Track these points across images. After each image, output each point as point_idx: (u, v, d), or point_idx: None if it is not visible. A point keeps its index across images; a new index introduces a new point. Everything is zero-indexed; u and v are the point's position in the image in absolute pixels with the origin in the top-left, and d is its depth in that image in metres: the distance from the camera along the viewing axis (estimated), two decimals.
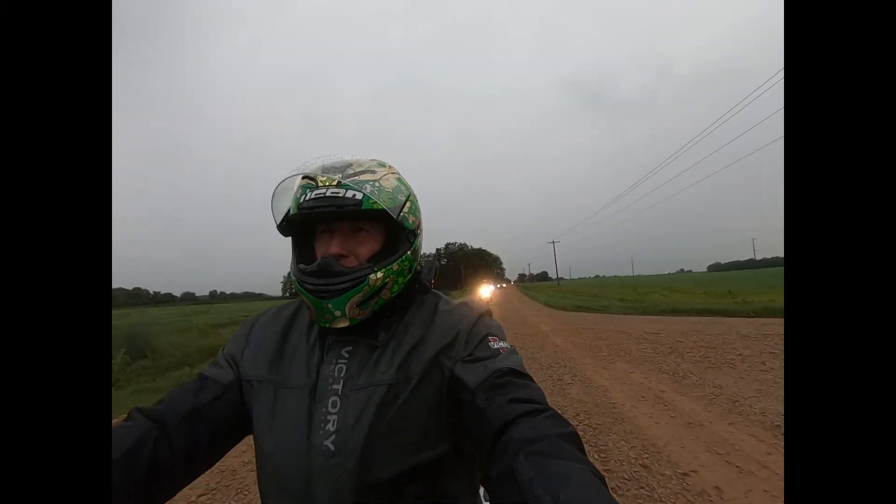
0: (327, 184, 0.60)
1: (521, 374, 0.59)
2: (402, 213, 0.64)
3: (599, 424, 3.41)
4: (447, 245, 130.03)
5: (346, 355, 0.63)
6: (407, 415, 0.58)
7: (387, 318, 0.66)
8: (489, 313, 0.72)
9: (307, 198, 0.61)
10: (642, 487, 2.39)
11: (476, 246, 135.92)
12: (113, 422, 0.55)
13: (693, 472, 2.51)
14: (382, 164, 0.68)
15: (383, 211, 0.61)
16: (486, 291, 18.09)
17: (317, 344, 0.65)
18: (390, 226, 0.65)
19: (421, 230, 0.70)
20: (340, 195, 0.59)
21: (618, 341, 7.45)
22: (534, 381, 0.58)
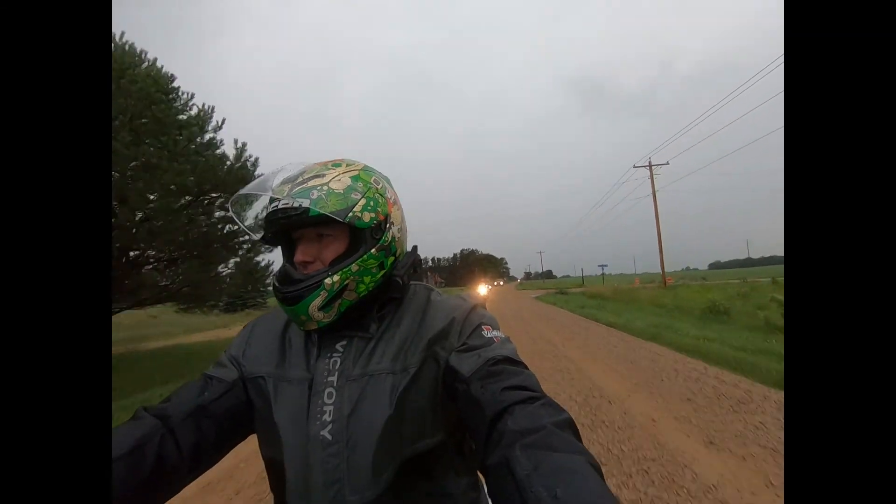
0: (279, 196, 0.62)
1: (514, 362, 0.59)
2: (351, 214, 0.63)
3: (511, 297, 35.23)
4: (462, 251, 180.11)
5: (341, 349, 0.64)
6: (402, 405, 0.59)
7: (378, 311, 0.68)
8: (483, 305, 0.73)
9: (266, 212, 0.63)
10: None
11: (485, 251, 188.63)
12: (120, 421, 0.57)
13: (519, 306, 21.24)
14: (338, 164, 0.68)
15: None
16: (482, 290, 25.29)
17: (313, 340, 0.67)
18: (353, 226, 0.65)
19: (393, 224, 0.69)
20: (289, 206, 0.60)
21: (513, 292, 51.71)
22: (528, 369, 0.59)
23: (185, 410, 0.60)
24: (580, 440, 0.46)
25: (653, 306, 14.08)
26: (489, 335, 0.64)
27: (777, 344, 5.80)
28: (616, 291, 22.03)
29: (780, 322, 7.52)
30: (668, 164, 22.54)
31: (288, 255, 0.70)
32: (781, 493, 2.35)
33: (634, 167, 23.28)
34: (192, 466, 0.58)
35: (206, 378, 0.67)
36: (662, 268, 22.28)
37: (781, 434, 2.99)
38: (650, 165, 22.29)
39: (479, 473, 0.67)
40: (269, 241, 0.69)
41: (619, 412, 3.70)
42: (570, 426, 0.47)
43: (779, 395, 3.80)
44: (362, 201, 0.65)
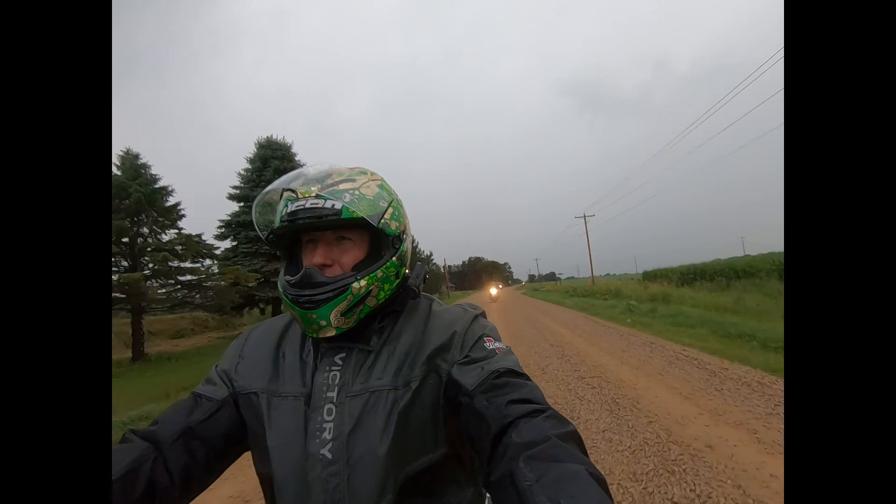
0: (307, 195, 0.60)
1: (518, 374, 0.58)
2: (383, 220, 0.63)
3: (506, 294, 51.19)
4: (470, 258, 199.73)
5: (340, 362, 0.62)
6: (404, 419, 0.57)
7: (379, 322, 0.66)
8: (483, 314, 0.72)
9: (288, 210, 0.61)
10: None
11: (490, 258, 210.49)
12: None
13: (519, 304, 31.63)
14: (364, 172, 0.68)
15: (364, 219, 0.61)
16: (493, 291, 31.49)
17: (310, 353, 0.65)
18: (374, 233, 0.65)
19: (407, 235, 0.70)
20: (320, 206, 0.59)
21: (510, 292, 68.97)
22: (531, 381, 0.58)
23: (173, 433, 0.57)
24: (585, 453, 0.45)
25: (567, 293, 29.88)
26: (491, 346, 0.63)
27: (568, 298, 25.58)
28: (556, 287, 48.77)
29: (574, 291, 28.85)
30: (594, 215, 38.38)
31: (291, 259, 0.69)
32: (539, 311, 18.40)
33: (575, 218, 37.94)
34: (183, 491, 0.56)
35: (195, 397, 0.64)
36: (592, 272, 36.47)
37: (545, 305, 22.80)
38: (584, 217, 36.54)
39: (481, 484, 0.66)
40: (273, 242, 0.67)
41: (526, 310, 19.98)
42: (574, 438, 0.47)
43: (544, 306, 22.70)
44: (390, 210, 0.65)
